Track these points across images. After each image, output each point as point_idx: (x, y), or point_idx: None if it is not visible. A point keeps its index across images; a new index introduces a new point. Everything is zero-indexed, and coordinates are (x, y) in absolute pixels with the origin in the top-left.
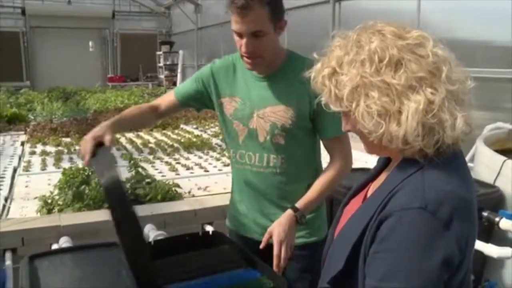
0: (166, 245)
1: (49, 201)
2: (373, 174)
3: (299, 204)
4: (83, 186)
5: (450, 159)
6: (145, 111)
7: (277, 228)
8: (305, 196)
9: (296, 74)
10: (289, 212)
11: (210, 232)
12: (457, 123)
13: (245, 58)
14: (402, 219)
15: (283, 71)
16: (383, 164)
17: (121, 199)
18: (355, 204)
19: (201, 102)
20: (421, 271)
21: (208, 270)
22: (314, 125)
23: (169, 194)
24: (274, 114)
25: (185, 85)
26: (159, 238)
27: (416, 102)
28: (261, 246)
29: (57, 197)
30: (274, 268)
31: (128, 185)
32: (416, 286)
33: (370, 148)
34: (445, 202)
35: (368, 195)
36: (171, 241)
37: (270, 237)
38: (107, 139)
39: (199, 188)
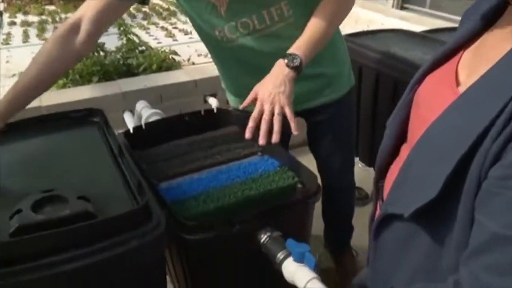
0: (162, 127)
1: None
2: (465, 38)
3: (291, 49)
4: None
5: None
6: (58, 56)
7: (261, 84)
8: (298, 39)
9: None
10: (279, 61)
11: (215, 110)
12: None
13: None
14: None
15: None
16: (484, 21)
17: None
18: (439, 88)
19: None
20: None
21: (214, 159)
22: None
23: (166, 63)
24: None
25: None
26: (153, 118)
27: None
28: (240, 107)
29: None
30: (246, 135)
31: (119, 55)
32: None
33: None
34: None
35: (462, 74)
36: (168, 122)
37: (256, 99)
38: None
39: (199, 55)
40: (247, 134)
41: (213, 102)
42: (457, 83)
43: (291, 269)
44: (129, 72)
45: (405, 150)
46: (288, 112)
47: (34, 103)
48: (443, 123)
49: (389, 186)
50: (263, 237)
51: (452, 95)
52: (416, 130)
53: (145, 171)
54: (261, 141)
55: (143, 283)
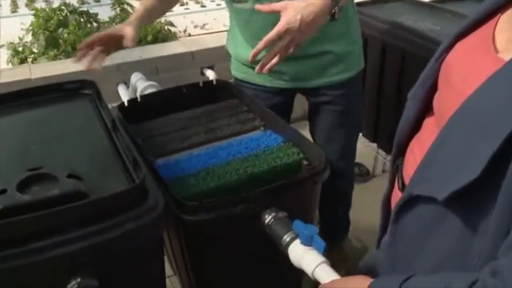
0: (158, 100)
1: (20, 49)
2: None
3: None
4: (60, 30)
5: None
6: None
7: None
8: None
9: None
10: None
11: (214, 82)
12: None
13: None
14: None
15: None
16: None
17: None
18: (474, 56)
19: None
20: None
21: (214, 134)
22: None
23: (161, 34)
24: None
25: None
26: (149, 91)
27: None
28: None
29: (29, 44)
30: (250, 58)
31: (112, 26)
32: None
33: None
34: None
35: (500, 39)
36: (165, 95)
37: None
38: (127, 32)
39: (195, 26)
40: (251, 57)
41: (210, 75)
42: (495, 50)
43: (299, 252)
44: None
45: (429, 124)
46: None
47: (23, 76)
48: (484, 95)
49: (410, 163)
50: (268, 218)
51: (492, 63)
52: (447, 103)
53: (141, 147)
54: (258, 69)
55: (139, 268)
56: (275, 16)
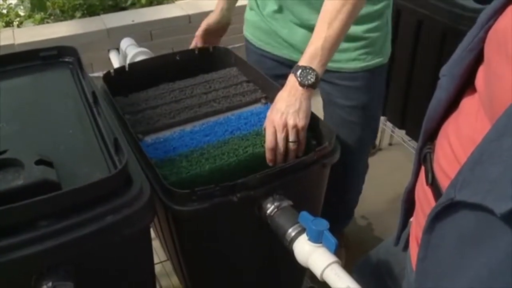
0: (149, 69)
1: (4, 11)
2: None
3: (304, 56)
4: None
5: None
6: None
7: (273, 105)
8: (313, 39)
9: None
10: (290, 77)
11: (211, 48)
12: None
13: None
14: None
15: None
16: None
17: None
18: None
19: None
20: None
21: (210, 107)
22: None
23: None
24: None
25: None
26: (139, 58)
27: None
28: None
29: (14, 6)
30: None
31: None
32: None
33: None
34: None
35: None
36: (156, 63)
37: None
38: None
39: None
40: (271, 163)
41: None
42: None
43: (306, 249)
44: (116, 6)
45: (470, 107)
46: (302, 135)
47: (7, 41)
48: None
49: (444, 154)
50: (270, 208)
51: None
52: (503, 82)
53: (127, 123)
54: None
55: (122, 265)
56: None
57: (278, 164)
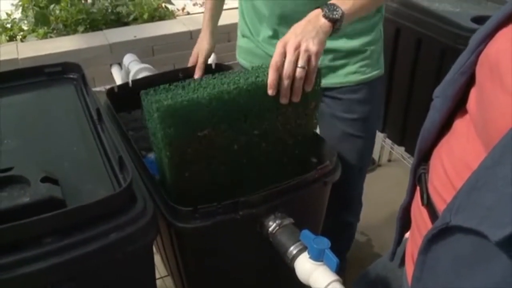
0: (152, 85)
1: (8, 25)
2: None
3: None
4: (51, 6)
5: None
6: None
7: (289, 31)
8: None
9: None
10: (315, 10)
11: (213, 66)
12: None
13: None
14: None
15: None
16: None
17: None
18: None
19: None
20: None
21: None
22: None
23: (158, 12)
24: None
25: None
26: (142, 75)
27: None
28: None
29: (18, 21)
30: (269, 91)
31: (107, 3)
32: None
33: None
34: None
35: None
36: (159, 79)
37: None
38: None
39: (194, 4)
40: (270, 90)
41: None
42: None
43: (307, 267)
44: (119, 21)
45: (462, 128)
46: (313, 62)
47: (11, 55)
48: None
49: (437, 175)
50: (272, 225)
51: None
52: (496, 106)
53: (131, 139)
54: (282, 100)
55: (125, 281)
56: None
57: (281, 98)
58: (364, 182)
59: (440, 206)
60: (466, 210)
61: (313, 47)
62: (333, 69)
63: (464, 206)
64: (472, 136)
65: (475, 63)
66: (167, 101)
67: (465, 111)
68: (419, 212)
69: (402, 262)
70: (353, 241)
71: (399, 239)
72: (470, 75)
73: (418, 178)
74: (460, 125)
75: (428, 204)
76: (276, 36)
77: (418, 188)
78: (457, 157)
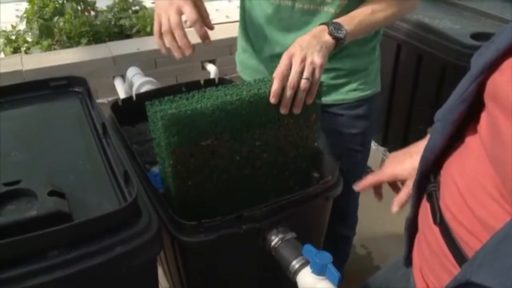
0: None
1: (13, 37)
2: None
3: (337, 20)
4: (55, 18)
5: None
6: None
7: (294, 43)
8: (347, 15)
9: None
10: (320, 26)
11: (216, 80)
12: None
13: None
14: None
15: None
16: None
17: None
18: None
19: None
20: None
21: None
22: None
23: None
24: None
25: None
26: (145, 88)
27: None
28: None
29: (23, 33)
30: (271, 99)
31: (110, 15)
32: None
33: None
34: None
35: None
36: (163, 93)
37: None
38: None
39: None
40: (272, 99)
41: (211, 69)
42: None
43: (309, 282)
44: (122, 33)
45: (476, 148)
46: (317, 75)
47: (15, 67)
48: None
49: (450, 193)
50: (275, 239)
51: None
52: (508, 145)
53: (135, 153)
54: (283, 110)
55: None
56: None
57: (281, 108)
58: (364, 194)
59: (453, 224)
60: (488, 268)
61: (318, 60)
62: (335, 87)
63: (486, 263)
64: (483, 158)
65: (475, 92)
66: (171, 110)
67: (475, 127)
68: (430, 231)
69: (408, 263)
70: (349, 254)
71: (410, 246)
72: (470, 102)
73: (429, 195)
74: (472, 142)
75: (441, 223)
76: (280, 54)
77: (424, 203)
78: (470, 177)
